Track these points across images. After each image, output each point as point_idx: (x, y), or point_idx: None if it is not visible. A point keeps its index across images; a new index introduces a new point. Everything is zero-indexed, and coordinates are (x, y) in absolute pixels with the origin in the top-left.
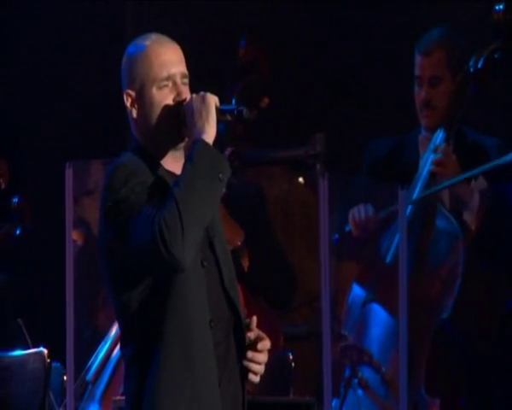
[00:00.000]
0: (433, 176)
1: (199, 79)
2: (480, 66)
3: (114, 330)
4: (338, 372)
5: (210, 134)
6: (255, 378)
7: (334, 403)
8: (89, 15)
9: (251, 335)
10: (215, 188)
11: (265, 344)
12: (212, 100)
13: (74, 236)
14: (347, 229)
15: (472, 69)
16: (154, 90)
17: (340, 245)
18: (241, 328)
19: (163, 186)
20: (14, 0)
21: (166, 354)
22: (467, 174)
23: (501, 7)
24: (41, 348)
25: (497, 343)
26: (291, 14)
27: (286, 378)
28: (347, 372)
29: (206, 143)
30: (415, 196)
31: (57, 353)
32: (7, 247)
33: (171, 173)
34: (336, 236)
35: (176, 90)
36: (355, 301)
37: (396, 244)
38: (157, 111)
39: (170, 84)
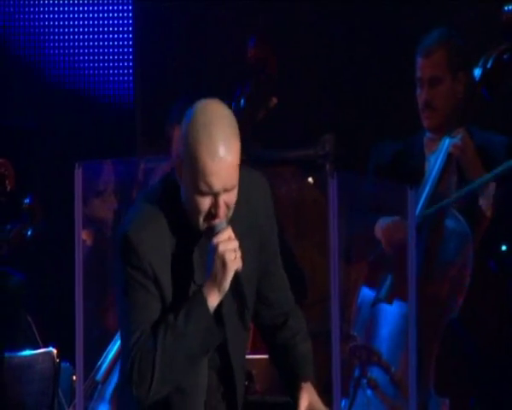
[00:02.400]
0: (449, 157)
1: (208, 80)
2: (489, 66)
3: None
4: (347, 372)
5: (215, 299)
6: None
7: (343, 403)
8: (97, 15)
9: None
10: (199, 358)
11: None
12: (233, 269)
13: (84, 236)
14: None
15: (481, 70)
16: (195, 194)
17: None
18: (232, 377)
19: (186, 249)
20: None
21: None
22: (483, 179)
23: (510, 8)
24: (50, 348)
25: (506, 343)
26: (300, 15)
27: None
28: (356, 372)
29: (208, 310)
30: (423, 197)
31: (67, 353)
32: (19, 248)
33: (201, 231)
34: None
35: (215, 201)
36: (364, 302)
37: None
38: (192, 210)
39: (210, 195)
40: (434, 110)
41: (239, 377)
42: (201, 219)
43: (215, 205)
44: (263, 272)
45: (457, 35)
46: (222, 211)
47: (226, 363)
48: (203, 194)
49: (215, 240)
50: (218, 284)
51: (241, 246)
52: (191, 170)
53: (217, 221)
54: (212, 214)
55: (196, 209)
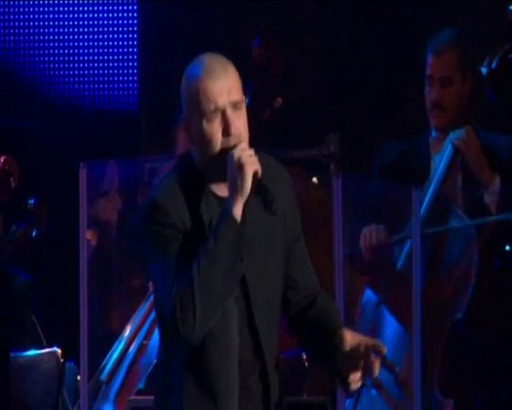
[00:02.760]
0: (456, 153)
1: None
2: (493, 66)
3: (128, 329)
4: None
5: (239, 207)
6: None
7: (347, 403)
8: (102, 15)
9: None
10: (236, 269)
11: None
12: (251, 171)
13: (88, 236)
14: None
15: (486, 70)
16: (204, 123)
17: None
18: (265, 367)
19: (204, 216)
20: None
21: (186, 383)
22: (478, 221)
23: None
24: (54, 348)
25: (511, 343)
26: (304, 15)
27: (300, 378)
28: None
29: (234, 220)
30: (428, 197)
31: (71, 352)
32: (24, 248)
33: (221, 198)
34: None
35: (224, 121)
36: (368, 302)
37: (406, 250)
38: (207, 144)
39: (219, 115)
40: (444, 110)
41: (269, 354)
42: (218, 148)
43: (226, 123)
44: (288, 254)
45: (467, 36)
46: (234, 126)
47: (256, 340)
48: (212, 117)
49: (230, 153)
50: (238, 189)
51: (264, 222)
52: (196, 103)
53: (231, 139)
54: (226, 135)
55: (210, 141)
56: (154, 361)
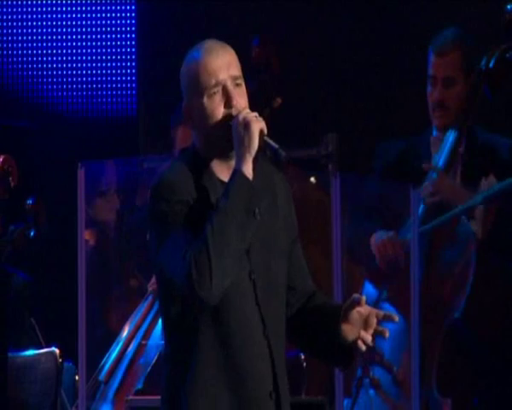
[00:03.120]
0: (453, 154)
1: None
2: (491, 65)
3: (127, 329)
4: (349, 372)
5: (248, 164)
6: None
7: (345, 403)
8: (100, 15)
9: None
10: (249, 224)
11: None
12: (257, 128)
13: (87, 236)
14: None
15: (483, 69)
16: (205, 100)
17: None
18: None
19: (210, 198)
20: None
21: (202, 363)
22: (481, 196)
23: None
24: (53, 348)
25: (509, 343)
26: (304, 15)
27: (298, 378)
28: (359, 372)
29: (245, 176)
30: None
31: (69, 352)
32: (22, 248)
33: (224, 183)
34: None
35: (226, 95)
36: (368, 297)
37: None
38: (209, 118)
39: (219, 90)
40: (446, 110)
41: (275, 344)
42: (220, 118)
43: (227, 96)
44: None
45: (470, 36)
46: (235, 99)
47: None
48: (213, 92)
49: (235, 118)
50: (246, 146)
51: (262, 220)
52: (196, 83)
53: (233, 110)
54: (228, 107)
55: (212, 114)
56: (153, 361)
